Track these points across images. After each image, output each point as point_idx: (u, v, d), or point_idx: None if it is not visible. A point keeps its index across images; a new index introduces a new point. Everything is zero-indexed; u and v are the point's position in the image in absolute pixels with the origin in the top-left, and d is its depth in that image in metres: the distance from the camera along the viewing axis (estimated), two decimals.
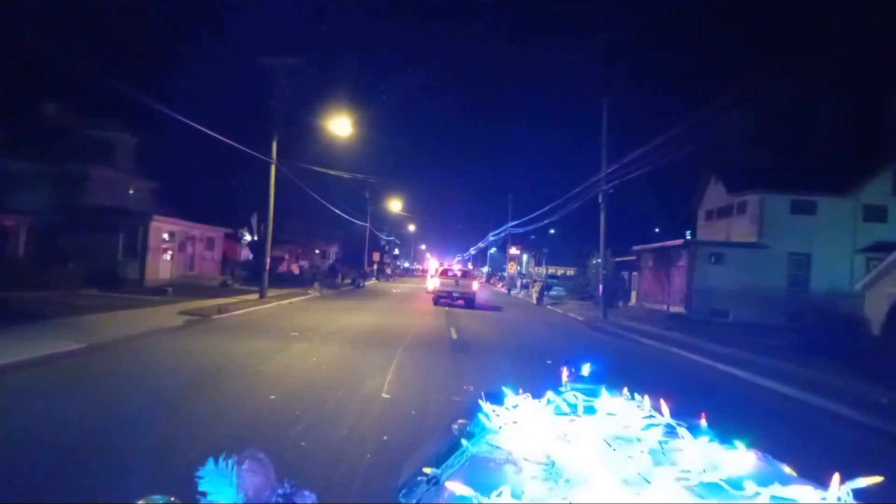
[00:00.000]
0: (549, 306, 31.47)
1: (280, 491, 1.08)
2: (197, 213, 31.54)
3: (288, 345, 11.63)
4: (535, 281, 37.32)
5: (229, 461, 1.08)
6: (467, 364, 10.34)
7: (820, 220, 23.94)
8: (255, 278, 31.09)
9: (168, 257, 27.39)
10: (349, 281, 42.28)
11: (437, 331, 16.10)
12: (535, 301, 33.78)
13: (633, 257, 30.42)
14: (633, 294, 30.66)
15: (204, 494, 1.07)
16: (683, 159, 25.53)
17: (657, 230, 48.26)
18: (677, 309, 24.26)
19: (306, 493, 1.10)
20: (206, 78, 32.74)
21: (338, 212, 42.75)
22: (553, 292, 39.26)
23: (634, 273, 30.73)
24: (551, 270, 71.14)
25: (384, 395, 7.44)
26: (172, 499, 1.09)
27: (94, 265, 22.81)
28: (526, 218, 46.08)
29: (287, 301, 22.89)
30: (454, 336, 14.81)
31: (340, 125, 25.38)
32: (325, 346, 11.92)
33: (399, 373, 9.17)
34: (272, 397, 7.12)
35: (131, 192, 30.25)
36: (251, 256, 40.18)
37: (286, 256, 46.76)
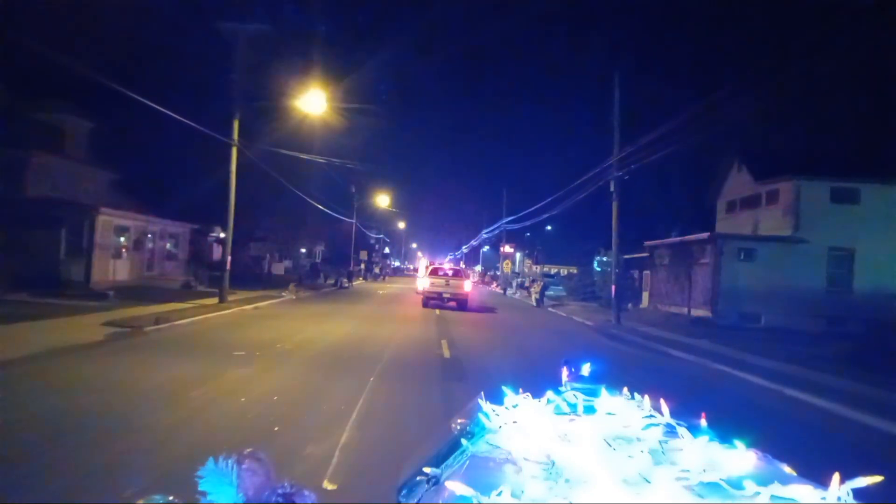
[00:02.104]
0: (550, 308, 28.51)
1: (280, 491, 1.07)
2: (165, 209, 28.33)
3: (221, 372, 8.53)
4: (535, 280, 34.30)
5: (229, 461, 1.07)
6: (467, 404, 7.27)
7: (864, 210, 20.91)
8: (220, 280, 27.98)
9: (122, 256, 24.14)
10: (332, 281, 39.27)
11: (424, 344, 13.02)
12: (534, 303, 30.83)
13: (643, 254, 27.36)
14: (645, 295, 27.64)
15: (204, 494, 1.06)
16: (697, 147, 22.87)
17: (661, 225, 45.38)
18: (700, 312, 21.29)
19: (306, 492, 1.09)
20: (171, 54, 29.30)
21: (320, 206, 39.73)
22: (551, 292, 36.27)
23: (646, 272, 27.66)
24: (545, 269, 68.24)
25: (327, 486, 4.34)
26: (171, 498, 1.08)
27: (31, 265, 19.64)
28: (522, 213, 43.26)
29: (252, 306, 19.73)
30: (446, 353, 11.70)
31: (316, 105, 22.23)
32: (270, 372, 8.83)
33: (363, 426, 6.09)
34: (126, 494, 4.02)
35: (85, 183, 26.89)
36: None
37: (266, 256, 43.81)
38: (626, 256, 27.98)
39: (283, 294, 25.46)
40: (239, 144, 19.24)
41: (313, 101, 22.25)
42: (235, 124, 19.14)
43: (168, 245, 28.69)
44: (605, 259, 31.68)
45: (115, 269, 23.43)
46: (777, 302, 20.07)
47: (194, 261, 31.37)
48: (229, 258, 19.68)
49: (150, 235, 26.38)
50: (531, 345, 15.17)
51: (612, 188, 20.81)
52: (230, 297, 20.68)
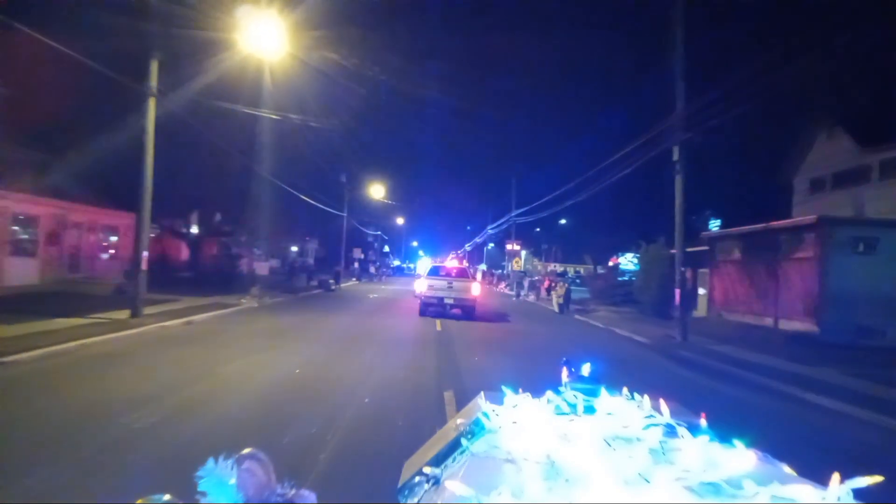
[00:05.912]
0: (577, 316, 23.00)
1: (280, 491, 1.04)
2: (109, 195, 22.92)
3: None
4: (557, 282, 28.70)
5: (229, 461, 1.06)
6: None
7: None
8: (181, 283, 22.64)
9: (31, 253, 18.68)
10: (316, 283, 33.81)
11: (413, 401, 7.44)
12: (555, 308, 25.32)
13: (699, 248, 21.65)
14: (702, 300, 21.91)
15: (204, 494, 1.04)
16: (759, 114, 17.54)
17: (693, 217, 39.75)
18: (796, 325, 15.70)
19: (305, 492, 1.07)
20: None
21: (304, 198, 34.40)
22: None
23: (702, 270, 21.97)
24: (553, 267, 62.68)
25: None
26: (169, 497, 1.03)
27: None
28: (535, 204, 37.70)
29: (183, 320, 14.21)
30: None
31: (277, 48, 16.73)
32: None
33: None
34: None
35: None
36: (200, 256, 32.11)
37: (244, 254, 38.54)
38: (673, 251, 22.39)
39: (243, 301, 19.93)
40: (156, 93, 13.68)
41: (276, 47, 16.82)
42: (153, 66, 13.62)
43: (103, 239, 23.20)
44: (640, 256, 26.13)
45: (21, 270, 17.97)
46: None
47: (165, 260, 26.02)
48: (146, 254, 14.17)
49: (74, 227, 20.91)
50: None
51: (675, 157, 15.30)
52: (158, 309, 15.28)
